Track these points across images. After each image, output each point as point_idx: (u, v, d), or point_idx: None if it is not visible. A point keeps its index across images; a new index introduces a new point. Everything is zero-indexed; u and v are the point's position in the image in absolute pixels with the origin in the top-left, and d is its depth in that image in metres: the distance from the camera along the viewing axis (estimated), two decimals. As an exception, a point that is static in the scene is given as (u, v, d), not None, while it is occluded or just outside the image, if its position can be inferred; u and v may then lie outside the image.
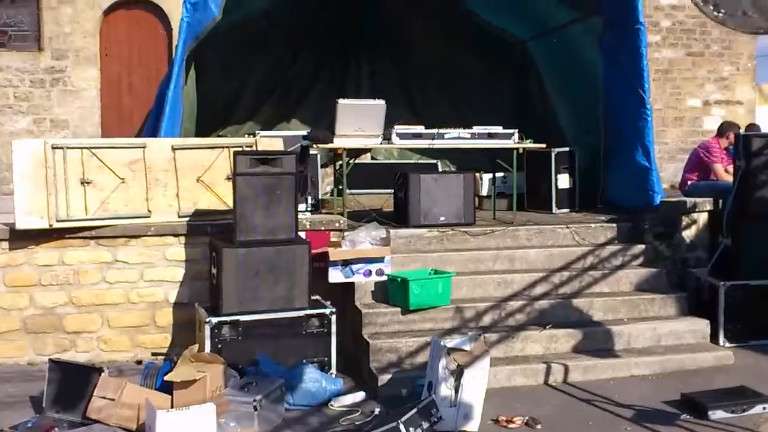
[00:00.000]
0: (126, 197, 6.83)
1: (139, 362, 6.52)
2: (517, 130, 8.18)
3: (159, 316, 6.83)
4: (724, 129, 8.68)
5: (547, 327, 6.57)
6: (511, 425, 5.27)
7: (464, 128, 8.16)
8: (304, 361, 6.10)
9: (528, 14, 9.97)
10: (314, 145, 7.87)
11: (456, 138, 8.04)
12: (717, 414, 5.32)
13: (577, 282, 7.14)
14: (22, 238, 6.55)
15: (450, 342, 5.23)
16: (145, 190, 6.90)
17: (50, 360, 5.51)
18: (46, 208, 6.45)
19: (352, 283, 6.81)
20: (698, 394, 5.60)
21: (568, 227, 7.77)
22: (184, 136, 7.85)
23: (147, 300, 6.81)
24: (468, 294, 6.92)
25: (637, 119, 8.18)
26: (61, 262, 6.65)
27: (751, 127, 10.04)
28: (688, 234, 7.80)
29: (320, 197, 9.02)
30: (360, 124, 7.74)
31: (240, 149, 6.76)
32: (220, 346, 6.02)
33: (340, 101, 7.67)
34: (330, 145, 7.81)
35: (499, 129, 8.19)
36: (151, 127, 7.82)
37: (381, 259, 6.82)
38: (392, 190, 8.29)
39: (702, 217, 7.88)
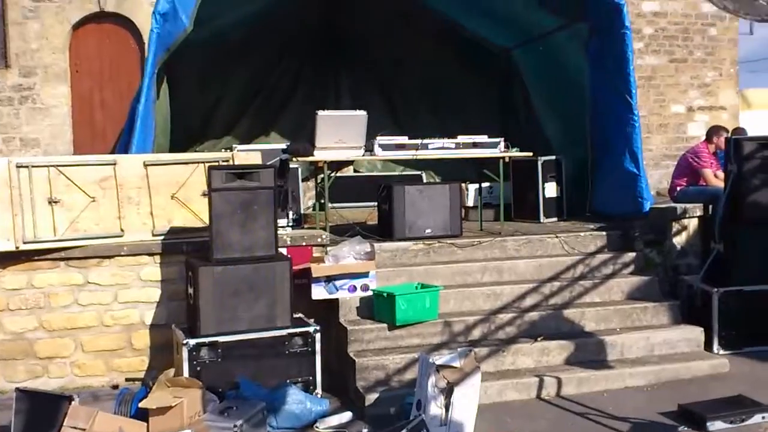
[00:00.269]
0: (97, 216, 6.57)
1: (115, 387, 6.28)
2: (502, 139, 8.00)
3: (135, 338, 6.57)
4: (712, 133, 8.54)
5: (539, 339, 6.35)
6: (504, 443, 5.05)
7: (449, 138, 7.95)
8: (288, 381, 5.87)
9: (511, 23, 9.82)
10: (294, 159, 7.63)
11: (440, 148, 7.83)
12: (716, 425, 5.12)
13: (568, 292, 6.94)
14: (-13, 262, 6.28)
15: (439, 359, 4.99)
16: (117, 209, 6.64)
17: (17, 389, 5.22)
18: (12, 230, 6.17)
19: (337, 300, 6.58)
20: (695, 404, 5.40)
21: (557, 236, 7.58)
22: (158, 152, 7.59)
23: (122, 322, 6.55)
24: (456, 307, 6.71)
25: (625, 125, 8.04)
26: (30, 285, 6.37)
27: (738, 131, 9.91)
28: (678, 240, 7.63)
29: (302, 212, 8.80)
30: (341, 135, 7.52)
31: (216, 164, 6.52)
32: (198, 368, 5.76)
33: (320, 113, 7.45)
34: (310, 158, 7.58)
35: (484, 138, 8.00)
36: (123, 144, 7.56)
37: (366, 274, 6.60)
38: (376, 203, 8.09)
39: (692, 223, 7.72)
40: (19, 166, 6.28)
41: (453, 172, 10.07)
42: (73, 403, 5.00)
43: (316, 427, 5.44)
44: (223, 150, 8.44)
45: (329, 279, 6.51)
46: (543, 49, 9.60)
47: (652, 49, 13.94)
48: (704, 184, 8.24)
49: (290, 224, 8.03)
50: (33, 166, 6.34)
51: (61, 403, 5.04)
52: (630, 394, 5.93)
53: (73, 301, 6.49)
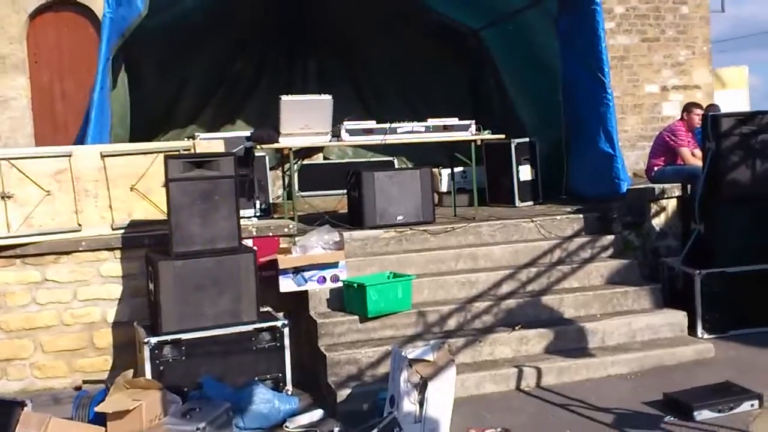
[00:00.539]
0: (52, 211, 6.30)
1: (78, 388, 6.00)
2: (473, 122, 7.75)
3: (97, 337, 6.31)
4: (687, 108, 8.33)
5: (517, 328, 6.12)
6: (483, 438, 4.81)
7: (419, 122, 7.70)
8: (257, 378, 5.63)
9: (480, 2, 9.55)
10: (259, 147, 7.34)
11: (409, 132, 7.57)
12: (703, 414, 4.90)
13: (546, 278, 6.73)
14: (-63, 261, 5.96)
15: (411, 352, 4.74)
16: (74, 202, 6.37)
17: (-34, 395, 4.93)
18: (-38, 227, 5.86)
19: (306, 292, 6.31)
20: (681, 393, 5.17)
21: (533, 221, 7.36)
22: (116, 142, 7.26)
23: (82, 321, 6.28)
24: (430, 297, 6.47)
25: (599, 104, 7.84)
26: (-16, 285, 6.06)
27: (711, 107, 9.72)
28: (657, 222, 7.44)
29: (271, 201, 8.51)
30: (306, 121, 7.24)
31: (174, 153, 6.21)
32: (162, 368, 5.51)
33: (283, 98, 7.16)
34: (275, 145, 7.30)
35: (455, 121, 7.75)
36: (82, 136, 7.22)
37: (335, 265, 6.34)
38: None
39: (671, 204, 7.52)
40: (-33, 160, 5.96)
41: (426, 156, 9.82)
42: (25, 409, 4.72)
43: (286, 426, 5.18)
44: (185, 139, 8.12)
45: (297, 270, 6.25)
46: (512, 29, 9.37)
47: (624, 29, 13.71)
48: (682, 163, 8.05)
49: (258, 214, 7.81)
50: (-18, 160, 6.02)
51: (13, 409, 4.74)
52: (613, 383, 5.71)
53: (30, 300, 6.23)
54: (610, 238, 7.19)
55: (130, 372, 5.19)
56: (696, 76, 14.05)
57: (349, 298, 6.17)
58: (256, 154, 8.19)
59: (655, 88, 13.88)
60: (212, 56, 9.98)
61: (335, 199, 8.49)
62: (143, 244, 6.28)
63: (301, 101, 7.31)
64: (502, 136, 8.13)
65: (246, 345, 5.70)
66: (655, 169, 8.20)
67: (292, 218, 7.25)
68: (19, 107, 11.00)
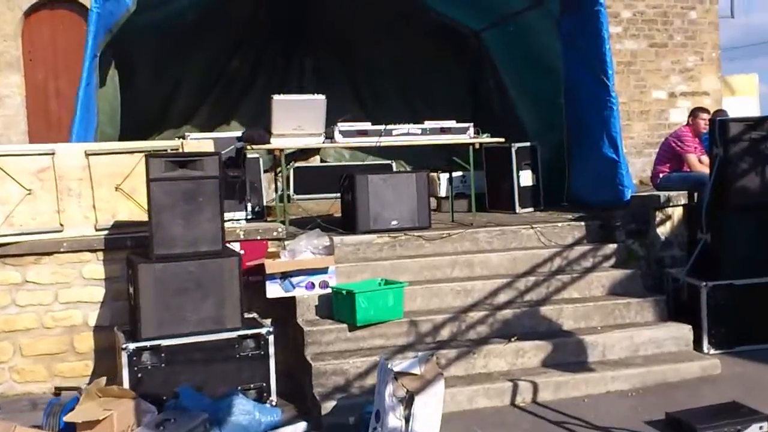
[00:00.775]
0: (34, 210, 6.08)
1: (58, 394, 5.71)
2: (472, 124, 7.50)
3: (78, 341, 6.09)
4: (696, 113, 8.06)
5: (513, 339, 5.85)
6: (473, 457, 4.56)
7: (415, 124, 7.45)
8: (240, 388, 5.40)
9: (481, 3, 9.30)
10: (249, 147, 7.11)
11: (405, 134, 7.33)
12: (708, 436, 4.63)
13: (545, 287, 6.46)
14: None
15: (398, 365, 4.48)
16: (56, 202, 6.15)
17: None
18: (-60, 226, 5.65)
19: (294, 298, 6.06)
20: (685, 412, 4.88)
21: (532, 228, 7.10)
22: (104, 141, 7.04)
23: (63, 324, 6.06)
24: (423, 305, 6.21)
25: (602, 108, 7.59)
26: (-37, 285, 5.85)
27: (719, 113, 9.42)
28: (662, 231, 7.14)
29: (265, 204, 8.28)
30: (299, 121, 7.01)
31: (157, 152, 5.97)
32: (140, 375, 5.27)
33: (275, 97, 6.94)
34: (266, 146, 7.07)
35: (453, 123, 7.52)
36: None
37: (324, 270, 6.10)
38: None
39: (677, 212, 7.23)
40: (-53, 157, 5.74)
41: (425, 160, 9.63)
42: (-9, 417, 4.49)
43: (267, 439, 4.94)
44: (177, 139, 7.88)
45: (285, 276, 6.01)
46: (514, 30, 9.13)
47: (631, 34, 13.48)
48: (688, 170, 7.77)
49: (249, 217, 7.56)
50: (-38, 157, 5.80)
51: (-22, 418, 4.53)
52: (613, 400, 5.43)
53: (10, 302, 6.02)
54: (613, 247, 6.92)
55: (103, 380, 4.96)
56: (704, 82, 13.80)
57: (338, 306, 5.93)
58: (251, 155, 7.97)
59: (663, 94, 13.64)
60: (207, 55, 9.76)
61: (331, 203, 8.25)
62: (126, 246, 6.06)
63: (293, 101, 7.08)
64: (502, 139, 7.89)
65: (229, 352, 5.45)
66: (661, 175, 7.93)
67: (283, 221, 7.00)
68: (13, 105, 10.81)
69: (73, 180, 6.19)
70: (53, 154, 6.16)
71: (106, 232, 6.18)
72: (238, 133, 7.45)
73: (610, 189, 7.48)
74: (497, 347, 5.79)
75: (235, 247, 6.20)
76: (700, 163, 7.68)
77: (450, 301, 6.26)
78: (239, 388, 5.38)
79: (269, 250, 6.29)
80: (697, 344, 6.23)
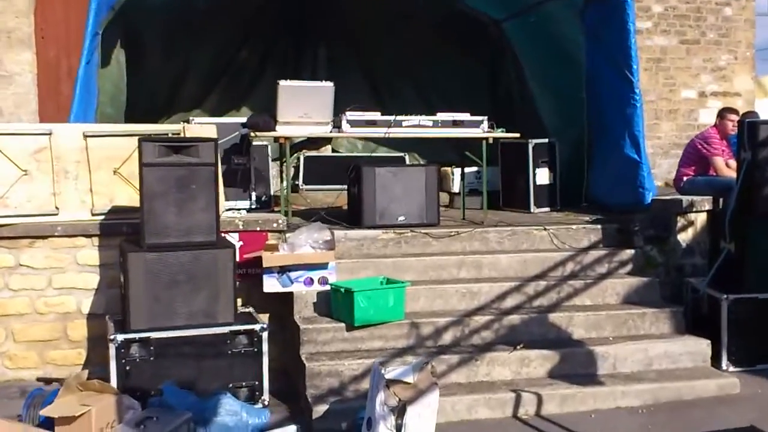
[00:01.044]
0: (29, 192, 5.88)
1: (49, 382, 5.56)
2: (486, 118, 7.19)
3: (71, 328, 5.90)
4: (723, 113, 7.69)
5: (518, 347, 5.57)
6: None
7: (428, 115, 7.16)
8: (231, 385, 5.20)
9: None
10: (254, 134, 6.86)
11: (416, 126, 7.04)
12: (722, 463, 4.32)
13: (555, 293, 6.16)
14: None
15: (391, 371, 4.22)
16: (52, 184, 5.95)
17: None
18: (-67, 206, 5.46)
19: (292, 294, 5.81)
20: (699, 435, 4.59)
21: (545, 229, 6.80)
22: (105, 122, 6.81)
23: (56, 310, 5.87)
24: (426, 306, 5.94)
25: (625, 105, 7.24)
26: (-45, 267, 5.68)
27: (750, 114, 8.99)
28: (684, 237, 6.81)
29: (273, 194, 8.03)
30: (305, 109, 6.76)
31: (151, 136, 5.72)
32: (128, 368, 5.06)
33: (282, 83, 6.69)
34: (271, 134, 6.82)
35: (466, 116, 7.21)
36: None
37: (324, 266, 5.84)
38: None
39: (700, 218, 6.90)
40: (-60, 134, 5.55)
41: (439, 153, 9.30)
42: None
43: (254, 442, 4.70)
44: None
45: (283, 270, 5.76)
46: (536, 21, 8.75)
47: (662, 29, 13.03)
48: (714, 173, 7.42)
49: (254, 206, 7.35)
50: (-44, 135, 5.61)
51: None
52: (622, 417, 5.13)
53: (3, 286, 5.85)
54: (630, 252, 6.60)
55: (85, 372, 4.75)
56: (737, 82, 13.34)
57: (337, 304, 5.67)
58: (259, 142, 7.73)
59: (693, 94, 13.19)
60: (219, 39, 9.54)
61: (337, 194, 7.97)
62: (122, 232, 5.84)
63: (300, 87, 6.85)
64: (517, 135, 7.56)
65: (221, 348, 5.22)
66: (685, 179, 7.58)
67: (286, 212, 6.77)
68: (24, 83, 10.58)
69: (71, 162, 5.98)
70: (50, 134, 5.97)
71: (102, 217, 5.96)
72: (243, 119, 7.20)
73: (630, 191, 7.15)
74: (502, 355, 5.51)
75: (234, 237, 5.98)
76: (727, 167, 7.32)
77: (455, 303, 5.98)
78: (231, 385, 5.19)
79: (268, 242, 6.05)
80: (716, 360, 5.88)
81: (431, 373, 4.23)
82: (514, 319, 5.83)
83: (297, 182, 9.51)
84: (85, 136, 6.02)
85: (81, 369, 5.77)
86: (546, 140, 8.32)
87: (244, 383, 5.27)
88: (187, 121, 7.39)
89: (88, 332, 5.89)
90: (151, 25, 8.47)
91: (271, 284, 5.76)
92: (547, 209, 8.22)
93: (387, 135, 7.06)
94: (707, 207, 6.91)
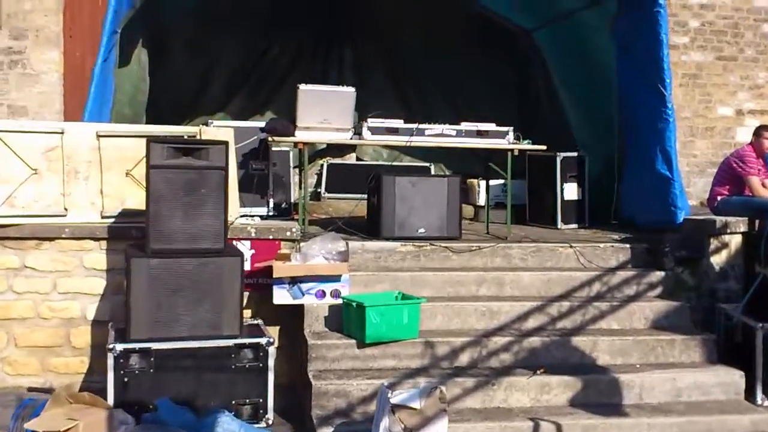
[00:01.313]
0: (38, 191, 5.70)
1: (45, 392, 5.33)
2: (511, 129, 6.91)
3: (75, 335, 5.68)
4: (759, 131, 7.35)
5: (539, 372, 5.27)
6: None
7: (451, 124, 6.91)
8: (234, 402, 4.98)
9: (536, 0, 8.69)
10: (271, 139, 6.65)
11: (438, 135, 6.78)
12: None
13: (580, 315, 5.85)
14: None
15: (397, 395, 3.96)
16: (62, 184, 5.77)
17: None
18: (-62, 203, 5.31)
19: (302, 306, 5.57)
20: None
21: (571, 246, 6.50)
22: (122, 122, 6.64)
23: (60, 315, 5.67)
24: (443, 325, 5.67)
25: (657, 120, 6.92)
26: (-42, 266, 5.52)
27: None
28: (717, 260, 6.46)
29: (293, 201, 7.82)
30: (325, 114, 6.54)
31: (160, 137, 5.53)
32: (126, 379, 4.85)
33: (302, 86, 6.48)
34: (289, 139, 6.60)
35: (491, 126, 6.93)
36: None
37: (337, 278, 5.60)
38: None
39: (735, 240, 6.54)
40: (-51, 130, 5.40)
41: (466, 164, 9.09)
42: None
43: (252, 465, 4.46)
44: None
45: (294, 281, 5.53)
46: (568, 31, 8.48)
47: (698, 45, 12.70)
48: (750, 193, 7.07)
49: (271, 213, 7.14)
50: (-35, 131, 5.46)
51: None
52: (646, 451, 4.82)
53: (7, 288, 5.66)
54: (660, 274, 6.28)
55: (76, 384, 4.55)
56: (775, 100, 12.97)
57: (348, 319, 5.42)
58: (281, 148, 7.53)
59: (729, 111, 12.83)
60: (245, 42, 9.37)
61: (355, 203, 7.73)
62: (131, 236, 5.62)
63: (321, 91, 6.61)
64: (543, 147, 7.26)
65: (224, 362, 4.99)
66: (719, 198, 7.23)
67: (304, 221, 6.56)
68: (49, 82, 10.48)
69: (82, 162, 5.80)
70: (62, 133, 5.79)
71: (112, 220, 5.77)
72: (262, 124, 7.00)
73: (661, 209, 6.83)
74: (520, 380, 5.22)
75: (246, 245, 5.76)
76: (763, 186, 6.97)
77: (473, 322, 5.70)
78: (233, 402, 4.97)
79: (281, 251, 5.82)
80: (749, 394, 5.49)
81: (440, 398, 3.97)
82: (535, 341, 5.53)
83: (319, 190, 9.31)
84: (98, 136, 5.84)
85: (83, 378, 5.62)
86: (575, 154, 8.03)
87: (247, 400, 5.04)
88: (206, 124, 7.21)
89: (92, 340, 5.68)
90: (177, 25, 8.35)
91: (281, 296, 5.53)
92: (574, 226, 7.91)
93: (409, 143, 6.82)
94: (742, 228, 6.56)
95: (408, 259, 6.27)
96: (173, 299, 4.93)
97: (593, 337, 5.63)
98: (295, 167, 8.08)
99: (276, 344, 5.68)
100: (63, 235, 5.65)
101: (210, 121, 7.42)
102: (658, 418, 5.04)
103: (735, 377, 5.50)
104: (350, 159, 9.71)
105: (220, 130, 6.41)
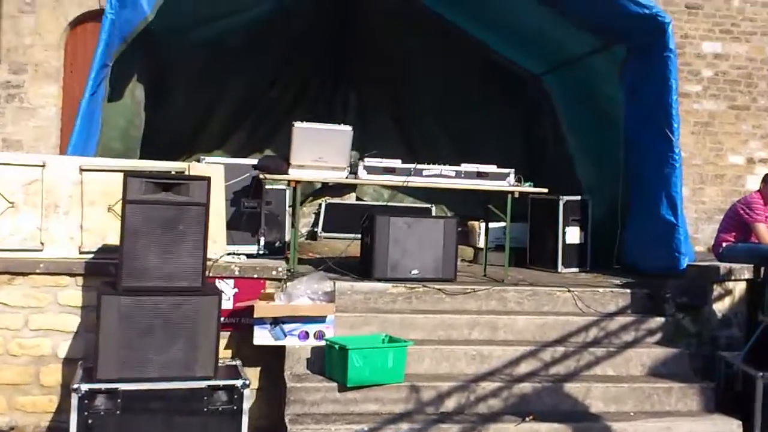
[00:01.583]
0: (14, 225, 5.57)
1: (11, 429, 5.27)
2: (512, 171, 6.76)
3: (44, 373, 5.48)
4: (766, 178, 7.14)
5: (528, 419, 5.04)
6: None
7: (451, 165, 6.76)
8: (204, 449, 4.73)
9: (544, 44, 8.58)
10: (263, 176, 6.53)
11: (437, 176, 6.62)
12: None
13: (574, 361, 5.63)
14: None
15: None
16: (40, 218, 5.62)
17: None
18: None
19: (284, 348, 5.38)
20: None
21: (569, 290, 6.28)
22: (111, 157, 6.51)
23: (31, 353, 5.47)
24: (431, 369, 5.45)
25: (663, 165, 6.77)
26: (-71, 300, 5.39)
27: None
28: (720, 307, 6.23)
29: (287, 239, 7.66)
30: (321, 153, 6.40)
31: (139, 171, 5.39)
32: (90, 421, 4.63)
33: (297, 124, 6.36)
34: (282, 177, 6.47)
35: (492, 168, 6.78)
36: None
37: (322, 319, 5.41)
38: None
39: (739, 287, 6.32)
40: (-76, 162, 5.30)
41: (467, 206, 8.91)
42: None
43: None
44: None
45: (276, 321, 5.34)
46: (577, 76, 8.37)
47: (711, 93, 12.64)
48: (756, 240, 6.83)
49: (262, 251, 6.98)
50: (-60, 163, 5.36)
51: None
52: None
53: (-24, 324, 5.47)
54: (660, 320, 6.05)
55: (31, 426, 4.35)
56: (786, 150, 12.83)
57: (331, 362, 5.21)
58: (277, 186, 7.40)
59: (740, 160, 12.72)
60: (247, 80, 9.26)
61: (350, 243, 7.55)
62: (109, 273, 5.43)
63: (316, 129, 6.48)
64: (545, 189, 7.10)
65: (196, 405, 4.77)
66: (724, 245, 7.00)
67: (288, 260, 6.40)
68: (47, 116, 10.53)
69: (63, 196, 5.67)
70: (43, 166, 5.66)
71: (91, 255, 5.61)
72: (253, 161, 6.88)
73: (665, 255, 6.63)
74: (508, 427, 4.99)
75: (229, 284, 5.59)
76: (770, 234, 6.74)
77: (462, 366, 5.49)
78: (203, 449, 4.74)
79: (266, 290, 5.64)
80: (747, 443, 5.26)
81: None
82: (526, 387, 5.31)
83: (316, 229, 9.15)
84: (82, 170, 5.71)
85: (51, 417, 5.41)
86: (578, 197, 7.85)
87: (220, 445, 4.82)
88: (198, 161, 7.10)
89: (63, 378, 5.46)
90: (179, 61, 8.28)
91: (262, 336, 5.34)
92: (575, 270, 7.71)
93: (406, 183, 6.66)
94: (747, 275, 6.34)
95: (399, 301, 6.08)
96: (145, 339, 4.73)
97: (587, 384, 5.40)
98: (290, 206, 7.93)
99: (256, 386, 5.55)
100: (37, 270, 5.47)
101: (202, 157, 7.31)
102: (651, 471, 4.77)
103: (732, 427, 5.25)
104: (350, 199, 9.56)
105: (210, 166, 6.30)
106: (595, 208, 7.93)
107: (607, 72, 7.75)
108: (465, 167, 6.73)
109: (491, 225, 7.75)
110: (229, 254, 5.97)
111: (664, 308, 6.17)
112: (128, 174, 4.80)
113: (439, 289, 6.18)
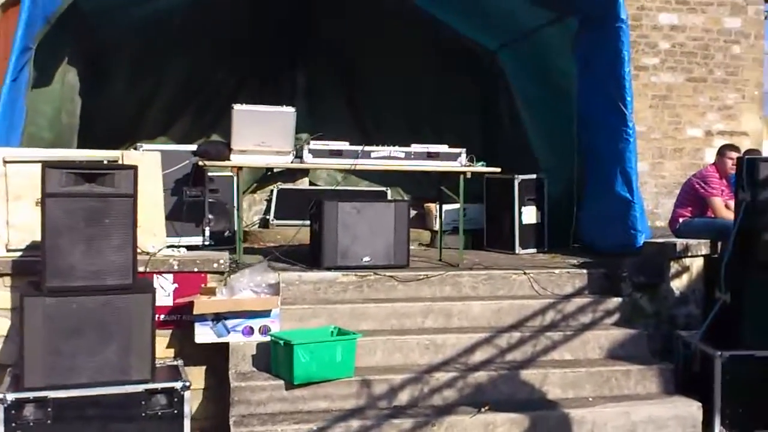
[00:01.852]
0: (-68, 224, 5.22)
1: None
2: (464, 150, 6.54)
3: (-28, 381, 5.16)
4: (723, 151, 7.00)
5: (483, 409, 4.85)
6: None
7: (401, 146, 6.51)
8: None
9: (498, 19, 8.34)
10: (201, 163, 6.22)
11: (386, 158, 6.38)
12: None
13: (531, 346, 5.44)
14: None
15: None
16: (-39, 216, 5.27)
17: None
18: None
19: (228, 345, 5.12)
20: None
21: (525, 273, 6.09)
22: (39, 147, 6.14)
23: (-43, 360, 5.15)
24: (383, 361, 5.24)
25: (617, 140, 6.61)
26: None
27: (751, 152, 8.22)
28: (677, 285, 6.09)
29: (236, 228, 7.37)
30: (263, 136, 6.13)
31: (59, 162, 5.05)
32: (19, 432, 4.35)
33: (236, 107, 6.08)
34: (224, 163, 6.17)
35: (443, 148, 6.56)
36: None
37: (266, 313, 5.16)
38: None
39: (696, 264, 6.18)
40: None
41: (424, 189, 8.68)
42: None
43: None
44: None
45: (218, 317, 5.07)
46: (531, 51, 8.16)
47: (668, 66, 12.50)
48: (712, 215, 6.69)
49: (208, 242, 6.71)
50: None
51: None
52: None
53: None
54: (617, 301, 5.88)
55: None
56: (744, 121, 12.76)
57: (276, 358, 4.96)
58: (224, 173, 7.10)
59: (699, 132, 12.61)
60: (190, 62, 8.89)
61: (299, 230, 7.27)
62: (38, 271, 5.12)
63: (257, 112, 6.19)
64: (497, 169, 6.89)
65: (133, 411, 4.51)
66: (680, 220, 6.86)
67: (234, 251, 6.12)
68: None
69: (-16, 191, 5.35)
70: (-38, 159, 5.33)
71: (19, 253, 5.27)
72: (192, 147, 6.58)
73: (621, 232, 6.50)
74: (463, 419, 4.79)
75: (168, 279, 5.31)
76: (726, 208, 6.58)
77: (416, 357, 5.27)
78: (145, 455, 4.48)
79: (208, 284, 5.36)
80: (707, 426, 5.10)
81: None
82: (482, 376, 5.11)
83: (268, 217, 8.87)
84: (5, 162, 5.34)
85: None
86: (534, 176, 7.65)
87: (161, 453, 4.57)
88: (136, 148, 6.78)
89: (-6, 387, 5.18)
90: (118, 43, 7.92)
91: (203, 333, 5.08)
92: (533, 250, 7.54)
93: (354, 167, 6.40)
94: (704, 251, 6.20)
95: (350, 291, 5.84)
96: (73, 342, 4.44)
97: (544, 370, 5.22)
98: (243, 193, 7.64)
99: (202, 386, 5.28)
100: (-39, 271, 5.17)
101: (139, 144, 6.98)
102: (611, 459, 4.60)
103: (692, 409, 5.10)
104: (303, 184, 9.27)
105: (144, 154, 5.97)
106: (551, 186, 7.76)
107: (560, 45, 7.56)
108: (415, 148, 6.50)
109: (447, 207, 7.54)
110: (168, 247, 5.68)
111: (621, 288, 5.99)
112: (46, 165, 4.49)
113: (391, 276, 5.95)
